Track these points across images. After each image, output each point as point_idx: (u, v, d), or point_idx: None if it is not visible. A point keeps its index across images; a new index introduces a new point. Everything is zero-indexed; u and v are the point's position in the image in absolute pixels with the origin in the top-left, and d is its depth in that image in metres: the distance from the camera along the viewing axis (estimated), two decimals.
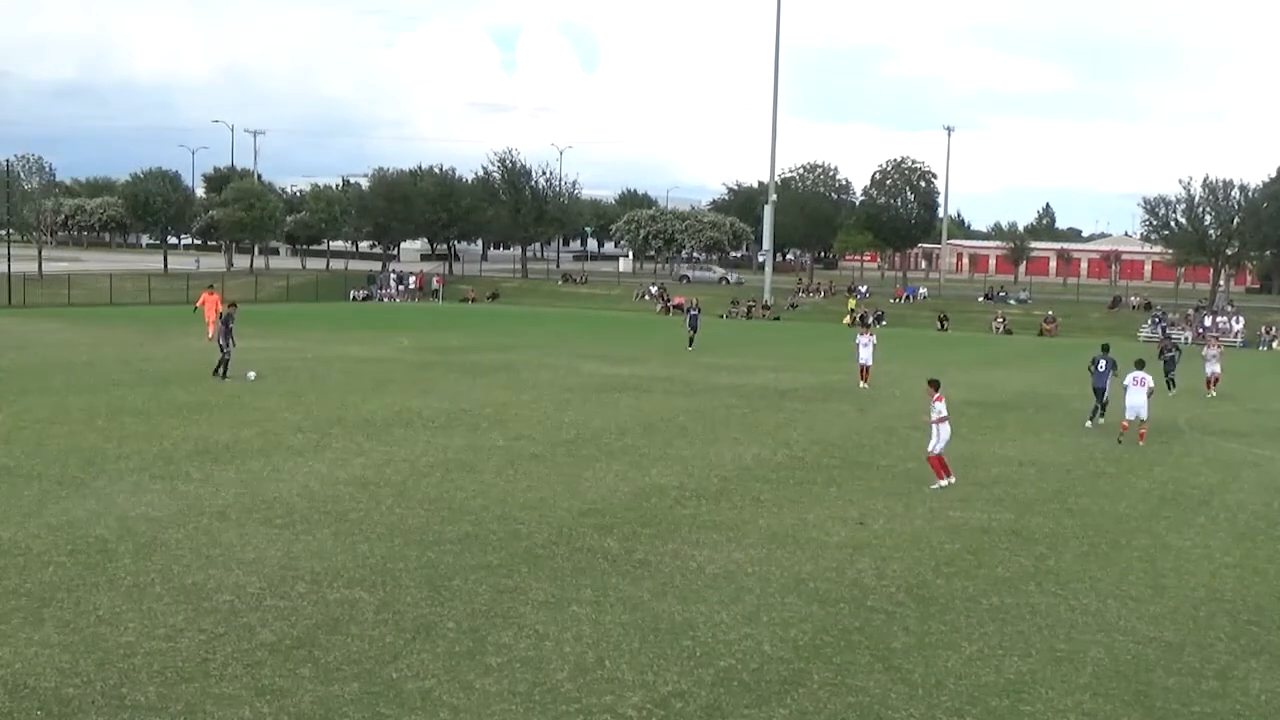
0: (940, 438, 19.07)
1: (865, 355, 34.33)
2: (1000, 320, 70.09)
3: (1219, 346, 37.74)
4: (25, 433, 21.73)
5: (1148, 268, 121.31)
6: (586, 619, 11.90)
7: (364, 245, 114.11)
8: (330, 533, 14.98)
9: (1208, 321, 67.82)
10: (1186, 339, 62.92)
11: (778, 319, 73.59)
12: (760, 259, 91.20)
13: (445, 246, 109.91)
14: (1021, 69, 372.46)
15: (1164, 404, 30.28)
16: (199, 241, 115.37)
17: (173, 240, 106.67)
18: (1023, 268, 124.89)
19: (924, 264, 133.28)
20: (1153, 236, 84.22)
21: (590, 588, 12.96)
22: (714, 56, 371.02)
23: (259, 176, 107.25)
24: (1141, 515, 17.87)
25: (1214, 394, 34.55)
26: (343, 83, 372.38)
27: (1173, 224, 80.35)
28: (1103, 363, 27.29)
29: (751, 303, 76.93)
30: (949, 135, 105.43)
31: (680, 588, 13.09)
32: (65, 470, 18.36)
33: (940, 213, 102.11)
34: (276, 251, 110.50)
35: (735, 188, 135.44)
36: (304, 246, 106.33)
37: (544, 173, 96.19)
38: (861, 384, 33.67)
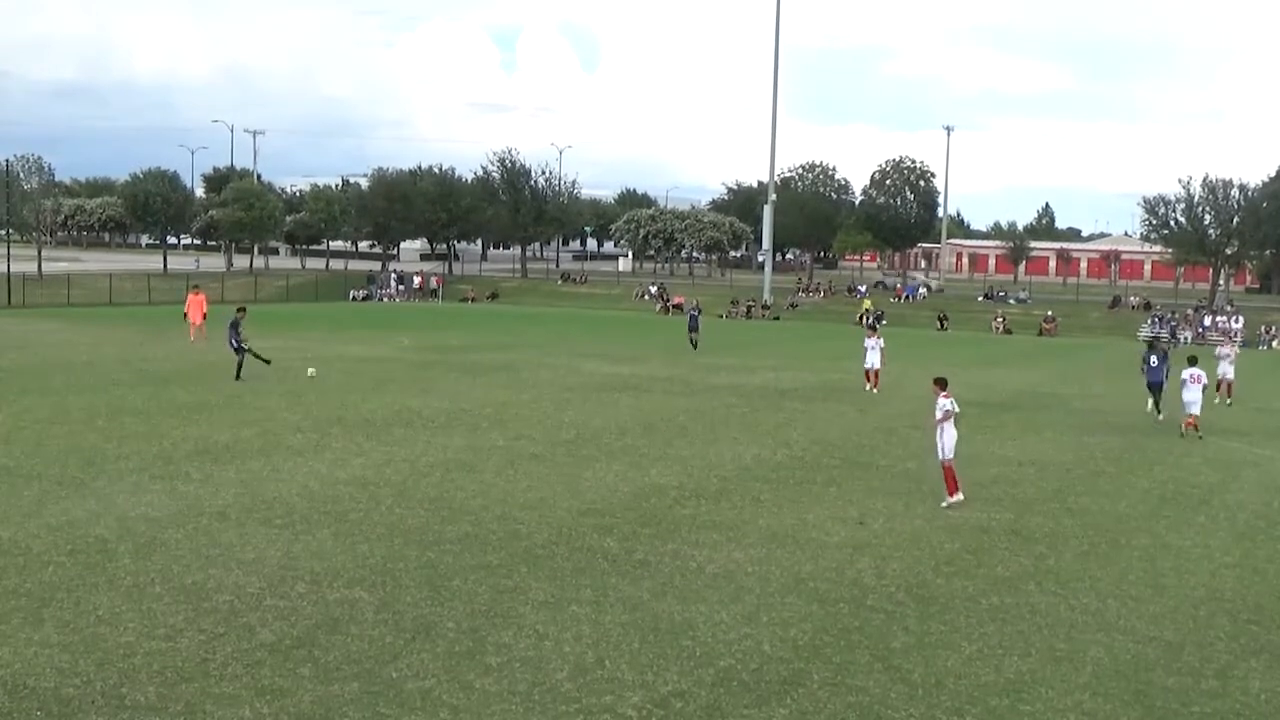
0: (946, 440, 17.79)
1: (873, 359, 33.12)
2: (1000, 320, 70.10)
3: (1234, 346, 36.13)
4: (25, 433, 21.73)
5: (1147, 267, 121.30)
6: (586, 619, 11.89)
7: (363, 245, 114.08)
8: (330, 533, 14.98)
9: (1207, 321, 67.85)
10: (1187, 339, 62.95)
11: (777, 319, 73.61)
12: (760, 259, 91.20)
13: (445, 246, 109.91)
14: (1021, 69, 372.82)
15: (1165, 404, 30.28)
16: (199, 241, 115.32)
17: (172, 240, 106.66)
18: (1022, 267, 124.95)
19: (923, 264, 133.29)
20: (1152, 236, 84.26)
21: (590, 588, 12.95)
22: (714, 56, 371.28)
23: (259, 176, 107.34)
24: (1141, 515, 17.87)
25: (1229, 401, 32.13)
26: (343, 83, 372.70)
27: (1172, 224, 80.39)
28: (1154, 358, 28.76)
29: (751, 302, 76.95)
30: (949, 135, 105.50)
31: (680, 588, 13.09)
32: (65, 470, 18.35)
33: (940, 212, 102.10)
34: (276, 251, 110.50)
35: (735, 187, 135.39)
36: (303, 246, 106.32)
37: (544, 172, 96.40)
38: (868, 387, 32.57)
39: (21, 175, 79.48)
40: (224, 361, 32.31)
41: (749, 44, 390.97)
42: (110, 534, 14.56)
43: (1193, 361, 26.19)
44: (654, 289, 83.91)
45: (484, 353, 41.20)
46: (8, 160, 78.10)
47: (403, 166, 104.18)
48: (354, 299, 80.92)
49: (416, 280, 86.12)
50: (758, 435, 24.16)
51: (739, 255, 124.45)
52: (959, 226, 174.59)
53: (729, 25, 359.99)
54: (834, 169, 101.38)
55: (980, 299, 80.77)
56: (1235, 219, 78.04)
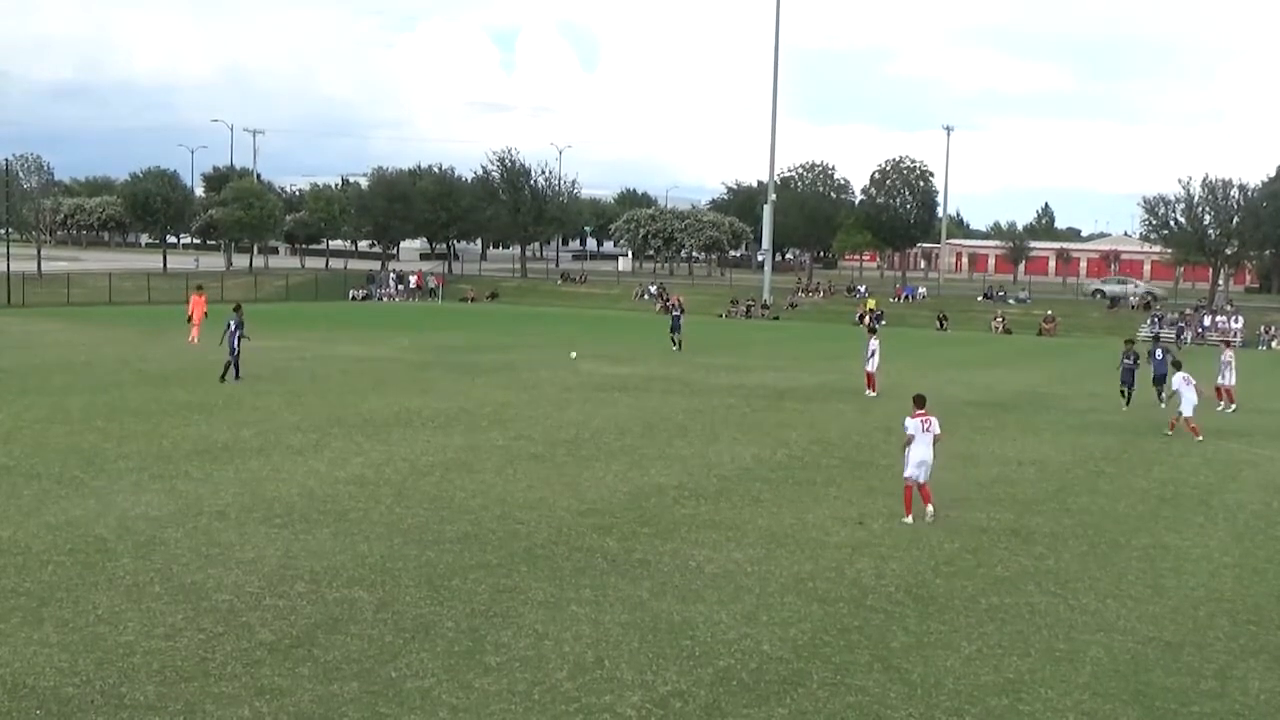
0: (909, 459, 16.76)
1: (873, 362, 32.14)
2: (999, 320, 70.11)
3: (1232, 350, 36.35)
4: (25, 432, 21.74)
5: (1147, 267, 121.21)
6: (586, 618, 11.90)
7: (363, 245, 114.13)
8: (329, 532, 14.98)
9: (1207, 321, 67.86)
10: (1186, 339, 62.92)
11: (777, 319, 73.62)
12: (759, 258, 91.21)
13: (444, 246, 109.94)
14: (1021, 69, 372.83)
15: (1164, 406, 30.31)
16: (198, 241, 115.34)
17: (172, 240, 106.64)
18: (1022, 267, 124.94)
19: (923, 264, 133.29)
20: (1152, 236, 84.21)
21: (589, 587, 12.96)
22: (713, 56, 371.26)
23: (258, 176, 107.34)
24: (1141, 515, 17.88)
25: (1234, 407, 31.14)
26: (342, 83, 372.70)
27: (1172, 224, 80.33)
28: (1159, 352, 31.22)
29: (751, 302, 76.96)
30: (948, 135, 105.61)
31: (679, 587, 13.10)
32: (65, 470, 18.35)
33: (939, 212, 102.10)
34: (276, 251, 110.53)
35: (735, 187, 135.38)
36: (303, 246, 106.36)
37: (543, 172, 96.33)
38: (869, 392, 31.67)
39: (21, 175, 79.46)
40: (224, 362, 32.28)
41: (749, 44, 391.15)
42: (110, 533, 14.56)
43: (1177, 367, 26.77)
44: (653, 289, 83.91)
45: (483, 352, 41.21)
46: (7, 160, 78.14)
47: (402, 166, 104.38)
48: (353, 299, 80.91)
49: (413, 279, 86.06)
50: (757, 435, 24.16)
51: (738, 255, 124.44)
52: (959, 226, 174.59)
53: (729, 25, 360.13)
54: (833, 169, 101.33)
55: (980, 299, 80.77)
56: (1235, 219, 78.00)
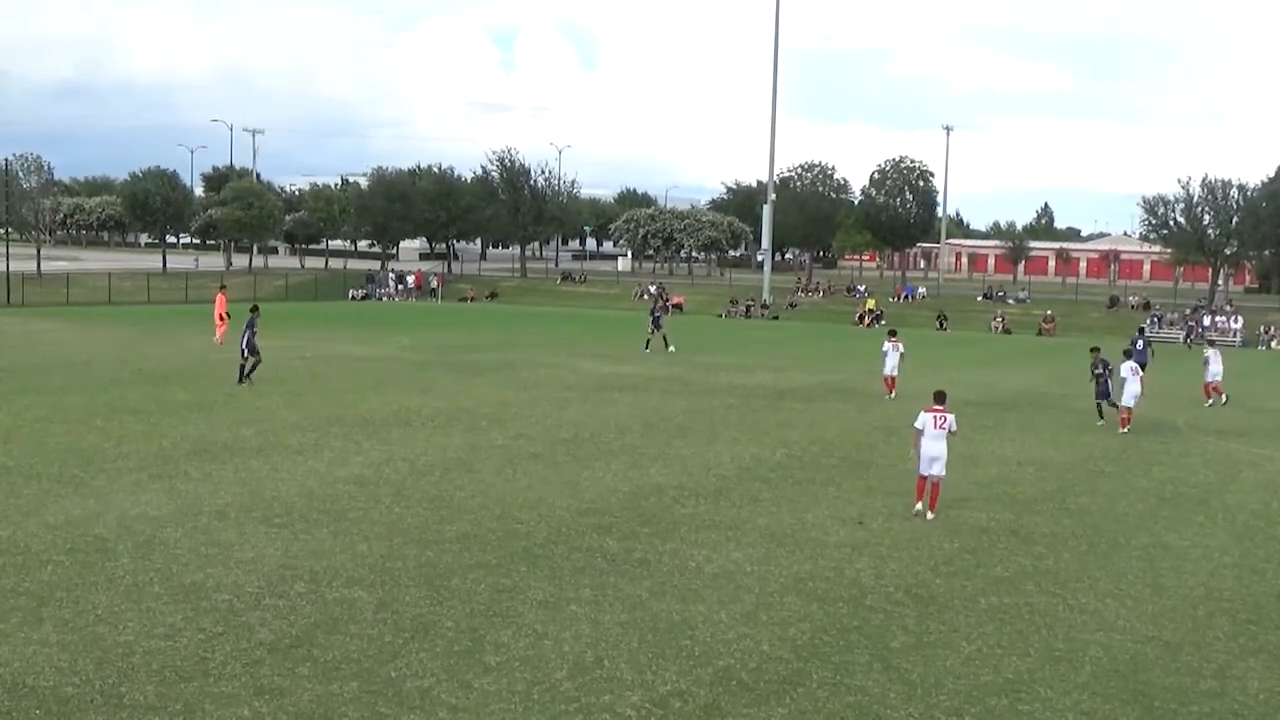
0: (921, 455, 16.95)
1: (892, 364, 31.21)
2: (999, 320, 70.11)
3: (1215, 348, 36.77)
4: (24, 431, 21.73)
5: (1147, 267, 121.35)
6: (585, 618, 11.90)
7: (363, 244, 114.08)
8: (329, 532, 14.98)
9: (1206, 321, 67.88)
10: (1191, 341, 62.90)
11: (776, 318, 73.59)
12: (759, 258, 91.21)
13: (444, 246, 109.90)
14: (1021, 69, 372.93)
15: (1164, 406, 30.31)
16: (198, 241, 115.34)
17: (171, 240, 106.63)
18: (1021, 267, 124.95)
19: (923, 263, 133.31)
20: (1151, 236, 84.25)
21: (589, 587, 12.96)
22: (713, 56, 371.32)
23: (258, 176, 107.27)
24: (1140, 515, 17.88)
25: (1225, 399, 31.83)
26: (342, 83, 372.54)
27: (1171, 224, 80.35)
28: (1140, 343, 34.60)
29: (750, 302, 76.95)
30: (948, 135, 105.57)
31: (679, 587, 13.10)
32: (64, 469, 18.35)
33: (939, 212, 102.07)
34: (275, 251, 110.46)
35: (734, 187, 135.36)
36: (303, 246, 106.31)
37: (543, 172, 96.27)
38: (888, 395, 30.76)
39: (21, 174, 79.43)
40: (226, 361, 32.32)
41: (748, 44, 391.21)
42: (109, 533, 14.56)
43: (1128, 356, 28.36)
44: (653, 288, 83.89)
45: (483, 352, 41.20)
46: (7, 160, 78.13)
47: (402, 166, 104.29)
48: (353, 298, 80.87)
49: (412, 279, 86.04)
50: (757, 435, 24.16)
51: (738, 255, 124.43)
52: (958, 226, 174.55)
53: (728, 25, 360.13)
54: (833, 169, 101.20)
55: (979, 299, 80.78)
56: (1234, 219, 78.03)
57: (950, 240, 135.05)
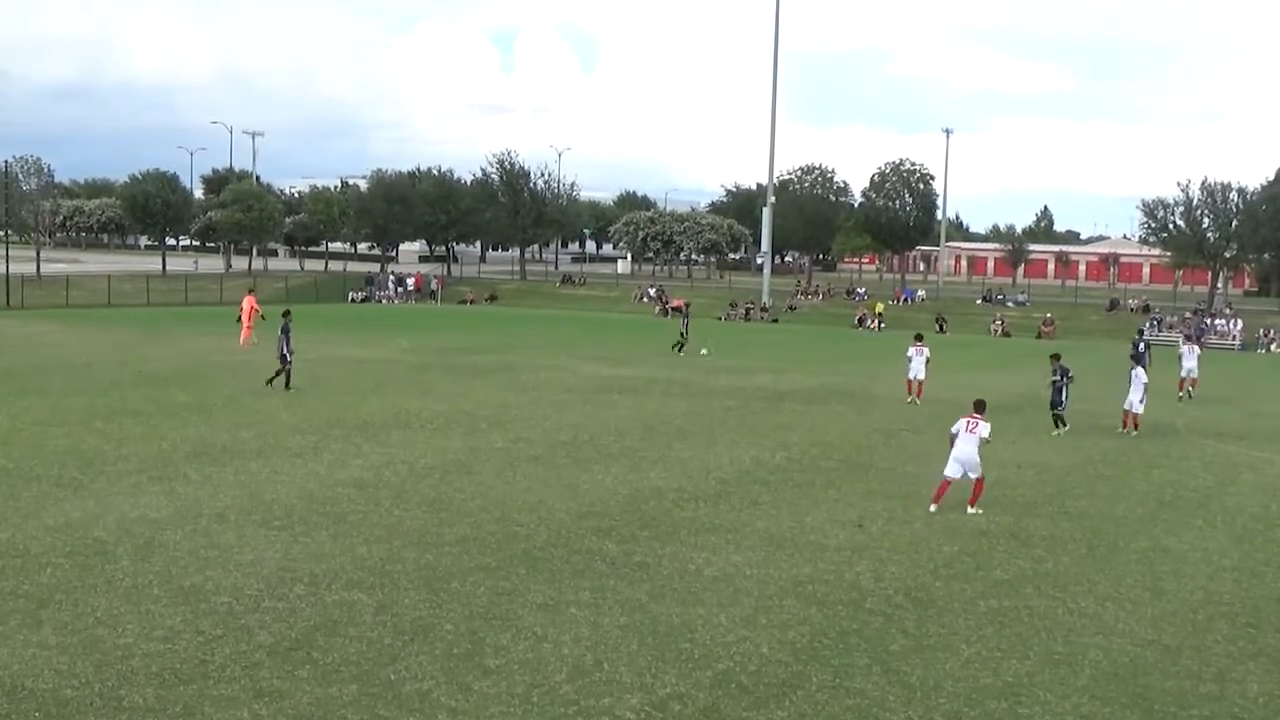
0: (951, 454, 17.72)
1: (917, 368, 30.70)
2: (998, 322, 70.14)
3: (1191, 343, 37.99)
4: (23, 434, 21.72)
5: (1146, 270, 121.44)
6: (585, 621, 11.89)
7: (362, 247, 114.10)
8: (328, 534, 14.97)
9: (1206, 323, 67.91)
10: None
11: (776, 321, 73.62)
12: (759, 261, 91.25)
13: (444, 248, 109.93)
14: (1021, 70, 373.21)
15: (1163, 405, 30.31)
16: (197, 243, 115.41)
17: (171, 242, 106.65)
18: (1021, 270, 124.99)
19: (922, 266, 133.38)
20: (1151, 239, 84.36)
21: (588, 590, 12.95)
22: (712, 58, 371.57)
23: (258, 178, 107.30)
24: (1140, 518, 17.88)
25: (1194, 392, 33.89)
26: (342, 84, 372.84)
27: (1171, 227, 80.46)
28: (1142, 345, 35.08)
29: (750, 305, 76.96)
30: (948, 138, 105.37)
31: (679, 590, 13.09)
32: (63, 472, 18.34)
33: (939, 215, 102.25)
34: (275, 253, 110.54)
35: (734, 190, 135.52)
36: (302, 248, 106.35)
37: (543, 174, 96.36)
38: (910, 399, 30.08)
39: (21, 176, 79.43)
40: (227, 363, 32.30)
41: (748, 46, 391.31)
42: (109, 536, 14.55)
43: (1137, 360, 29.45)
44: (653, 291, 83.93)
45: (483, 355, 41.19)
46: (7, 161, 78.09)
47: (402, 168, 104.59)
48: (353, 301, 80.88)
49: (412, 281, 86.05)
50: (756, 437, 24.16)
51: (738, 257, 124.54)
52: (958, 229, 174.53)
53: (728, 27, 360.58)
54: (833, 171, 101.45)
55: (979, 301, 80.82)
56: (1234, 222, 78.14)
57: (950, 243, 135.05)
